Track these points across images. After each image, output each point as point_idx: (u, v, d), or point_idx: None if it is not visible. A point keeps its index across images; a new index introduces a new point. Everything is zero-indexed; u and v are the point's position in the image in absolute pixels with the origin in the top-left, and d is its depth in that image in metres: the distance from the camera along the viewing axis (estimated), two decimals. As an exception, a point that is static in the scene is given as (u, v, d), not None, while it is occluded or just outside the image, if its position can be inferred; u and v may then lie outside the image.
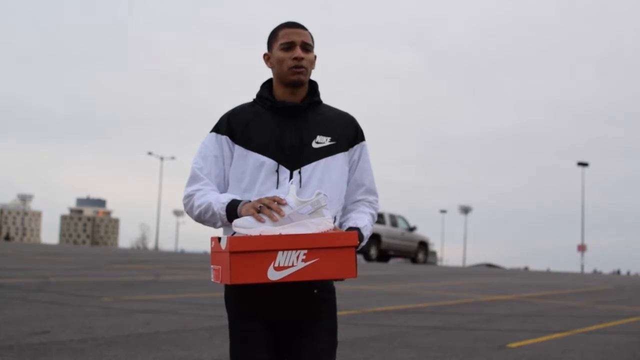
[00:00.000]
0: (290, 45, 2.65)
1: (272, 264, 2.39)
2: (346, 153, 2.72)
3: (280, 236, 2.42)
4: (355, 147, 2.75)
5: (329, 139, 2.68)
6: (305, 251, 2.40)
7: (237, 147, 2.67)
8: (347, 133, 2.73)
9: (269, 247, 2.39)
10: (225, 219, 2.57)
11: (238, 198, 2.59)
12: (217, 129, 2.71)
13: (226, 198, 2.58)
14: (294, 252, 2.40)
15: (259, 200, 2.48)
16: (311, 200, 2.49)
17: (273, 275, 2.39)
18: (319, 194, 2.51)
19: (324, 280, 2.66)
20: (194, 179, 2.69)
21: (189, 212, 2.69)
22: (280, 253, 2.39)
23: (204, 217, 2.63)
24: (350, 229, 2.64)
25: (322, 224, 2.47)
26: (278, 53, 2.67)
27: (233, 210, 2.55)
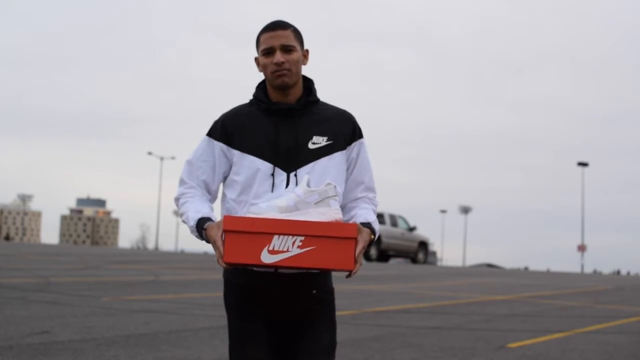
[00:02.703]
0: (269, 50, 2.65)
1: (267, 247, 2.38)
2: (344, 152, 2.71)
3: (277, 220, 2.40)
4: (353, 144, 2.74)
5: (325, 138, 2.67)
6: (302, 238, 2.38)
7: (234, 151, 2.67)
8: (344, 131, 2.72)
9: (264, 230, 2.38)
10: (199, 236, 2.60)
11: (207, 215, 2.60)
12: (211, 133, 2.73)
13: (193, 220, 2.60)
14: (290, 237, 2.38)
15: (215, 244, 2.47)
16: (319, 189, 2.49)
17: (267, 258, 2.38)
18: (328, 184, 2.50)
19: (322, 280, 2.67)
20: (180, 181, 2.76)
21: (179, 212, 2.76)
22: (276, 237, 2.38)
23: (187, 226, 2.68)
24: (363, 224, 2.61)
25: (328, 213, 2.46)
26: (261, 59, 2.69)
27: (200, 229, 2.58)
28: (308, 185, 2.52)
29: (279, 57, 2.63)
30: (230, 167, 2.70)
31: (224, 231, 2.40)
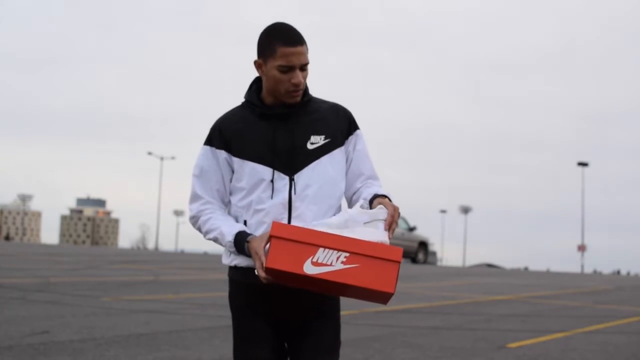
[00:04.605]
0: (289, 69, 2.55)
1: (311, 258, 2.37)
2: (342, 147, 2.68)
3: (324, 233, 2.40)
4: (350, 138, 2.71)
5: (322, 137, 2.64)
6: (347, 254, 2.38)
7: (234, 158, 2.63)
8: (340, 126, 2.68)
9: (310, 241, 2.38)
10: (236, 251, 2.59)
11: (242, 229, 2.58)
12: (211, 142, 2.67)
13: (231, 235, 2.57)
14: (335, 252, 2.38)
15: (257, 255, 2.46)
16: (371, 211, 2.49)
17: (309, 269, 2.38)
18: (381, 207, 2.50)
19: None
20: (193, 197, 2.69)
21: (199, 231, 2.71)
22: (321, 249, 2.38)
23: (218, 244, 2.65)
24: (371, 200, 2.59)
25: (375, 234, 2.45)
26: (274, 72, 2.55)
27: (241, 242, 2.56)
28: (361, 207, 2.52)
29: (299, 77, 2.55)
30: (233, 174, 2.66)
31: (270, 236, 2.40)
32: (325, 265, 2.37)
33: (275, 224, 2.41)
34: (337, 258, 2.38)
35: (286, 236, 2.39)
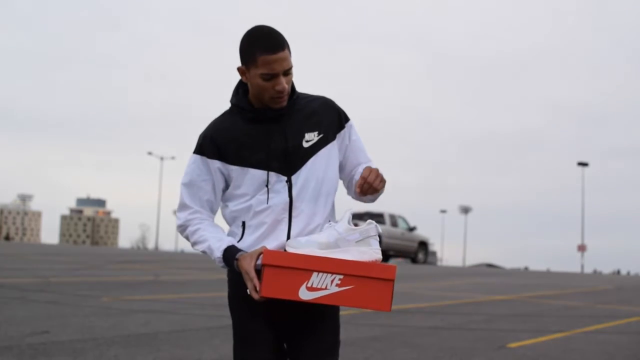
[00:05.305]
0: (272, 76, 2.49)
1: (305, 283, 2.38)
2: (335, 142, 2.68)
3: (317, 257, 2.40)
4: (343, 132, 2.70)
5: (316, 133, 2.63)
6: (341, 276, 2.39)
7: (231, 166, 2.60)
8: (331, 120, 2.67)
9: (303, 266, 2.38)
10: (226, 265, 2.58)
11: (231, 243, 2.56)
12: (202, 151, 2.62)
13: (219, 251, 2.55)
14: (329, 275, 2.39)
15: (248, 275, 2.44)
16: (360, 228, 2.48)
17: (305, 294, 2.39)
18: (370, 223, 2.49)
19: None
20: (181, 206, 2.67)
21: (187, 240, 2.70)
22: (314, 274, 2.38)
23: (207, 255, 2.64)
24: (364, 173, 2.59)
25: (368, 252, 2.45)
26: (257, 80, 2.51)
27: (230, 259, 2.54)
28: (349, 222, 2.50)
29: (282, 83, 2.52)
30: (226, 182, 2.64)
31: (263, 265, 2.40)
32: (320, 289, 2.39)
33: (267, 252, 2.40)
34: (332, 281, 2.39)
35: (279, 263, 2.38)
